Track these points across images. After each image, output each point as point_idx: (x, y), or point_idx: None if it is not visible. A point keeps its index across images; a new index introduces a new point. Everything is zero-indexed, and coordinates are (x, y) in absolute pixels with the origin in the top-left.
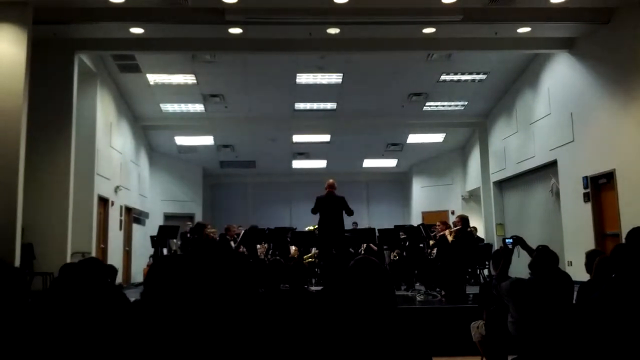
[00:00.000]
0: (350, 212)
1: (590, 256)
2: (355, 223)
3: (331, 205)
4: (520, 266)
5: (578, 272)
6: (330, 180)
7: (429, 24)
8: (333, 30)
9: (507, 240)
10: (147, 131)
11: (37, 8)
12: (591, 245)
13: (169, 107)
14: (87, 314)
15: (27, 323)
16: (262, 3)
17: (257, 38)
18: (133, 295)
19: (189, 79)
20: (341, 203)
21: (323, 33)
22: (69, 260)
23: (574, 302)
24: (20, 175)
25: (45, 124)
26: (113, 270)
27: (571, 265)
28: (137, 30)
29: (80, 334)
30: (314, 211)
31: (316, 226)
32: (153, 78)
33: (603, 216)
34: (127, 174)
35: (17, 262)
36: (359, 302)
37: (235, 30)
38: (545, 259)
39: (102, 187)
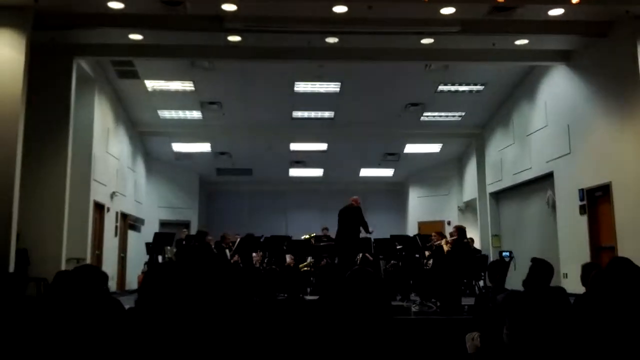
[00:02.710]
0: (365, 227)
1: (586, 269)
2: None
3: (346, 216)
4: (516, 279)
5: (574, 285)
6: (356, 197)
7: (427, 35)
8: (332, 40)
9: (503, 254)
10: (144, 137)
11: (37, 13)
12: (587, 258)
13: (167, 114)
14: (82, 321)
15: (22, 328)
16: (261, 11)
17: (256, 46)
18: (127, 302)
19: (187, 85)
20: (355, 214)
21: (322, 42)
22: (63, 266)
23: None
24: (16, 179)
25: (42, 128)
26: (104, 276)
27: (567, 277)
28: (136, 37)
29: (74, 342)
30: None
31: (312, 234)
32: (151, 84)
33: (599, 229)
34: (124, 180)
35: (12, 268)
36: (354, 312)
37: (234, 38)
38: (540, 270)
39: (98, 193)
